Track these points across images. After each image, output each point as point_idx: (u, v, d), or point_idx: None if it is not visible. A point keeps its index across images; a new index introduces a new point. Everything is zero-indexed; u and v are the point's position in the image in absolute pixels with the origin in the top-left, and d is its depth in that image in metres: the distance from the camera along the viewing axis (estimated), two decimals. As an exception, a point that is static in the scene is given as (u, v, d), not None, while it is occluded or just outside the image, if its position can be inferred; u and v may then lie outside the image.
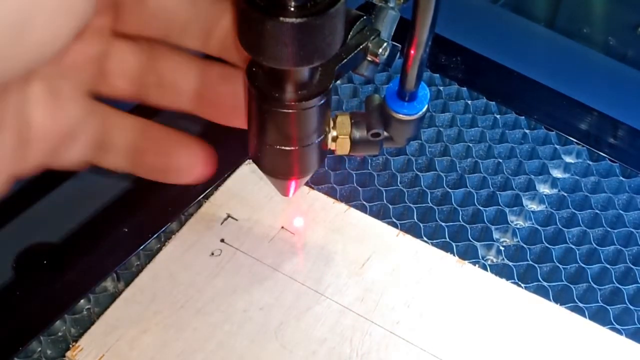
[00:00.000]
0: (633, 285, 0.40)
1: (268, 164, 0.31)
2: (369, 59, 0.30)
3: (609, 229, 0.43)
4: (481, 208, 0.43)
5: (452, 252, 0.41)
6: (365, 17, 0.29)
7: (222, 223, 0.41)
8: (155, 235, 0.41)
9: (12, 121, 0.26)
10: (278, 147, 0.30)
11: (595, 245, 0.42)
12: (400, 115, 0.30)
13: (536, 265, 0.41)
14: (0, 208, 0.40)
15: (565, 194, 0.45)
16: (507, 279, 0.39)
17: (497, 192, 0.44)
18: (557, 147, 0.47)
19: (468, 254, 0.42)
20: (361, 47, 0.29)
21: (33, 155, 0.27)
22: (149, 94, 0.31)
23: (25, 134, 0.27)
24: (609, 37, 0.59)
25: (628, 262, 0.41)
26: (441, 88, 0.51)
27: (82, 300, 0.38)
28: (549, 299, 0.39)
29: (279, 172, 0.32)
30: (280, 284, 0.38)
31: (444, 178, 0.45)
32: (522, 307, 0.38)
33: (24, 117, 0.26)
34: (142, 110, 0.31)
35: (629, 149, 0.47)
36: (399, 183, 0.45)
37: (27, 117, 0.27)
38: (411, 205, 0.44)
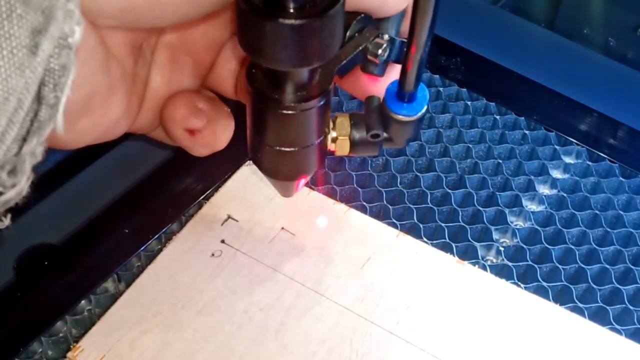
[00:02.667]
0: (633, 286, 0.40)
1: (268, 165, 0.31)
2: (369, 59, 0.30)
3: (609, 230, 0.43)
4: (481, 209, 0.44)
5: (452, 253, 0.41)
6: (363, 15, 0.29)
7: (222, 224, 0.41)
8: (155, 236, 0.41)
9: (141, 76, 0.29)
10: (278, 148, 0.30)
11: (594, 245, 0.42)
12: (400, 116, 0.30)
13: (536, 265, 0.41)
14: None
15: (565, 195, 0.45)
16: (507, 280, 0.39)
17: (497, 193, 0.45)
18: (557, 147, 0.47)
19: (468, 255, 0.42)
20: (360, 48, 0.29)
21: (143, 114, 0.30)
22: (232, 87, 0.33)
23: (143, 91, 0.30)
24: (609, 38, 0.59)
25: (628, 262, 0.41)
26: (441, 89, 0.51)
27: (83, 301, 0.39)
28: (549, 299, 0.39)
29: (279, 173, 0.32)
30: (280, 284, 0.38)
31: (444, 179, 0.45)
32: (521, 307, 0.38)
33: (147, 75, 0.30)
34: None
35: (629, 150, 0.47)
36: (399, 184, 0.45)
37: (149, 76, 0.30)
38: (411, 206, 0.44)
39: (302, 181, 0.33)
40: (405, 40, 0.31)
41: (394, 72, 0.31)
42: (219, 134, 0.32)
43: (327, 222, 0.41)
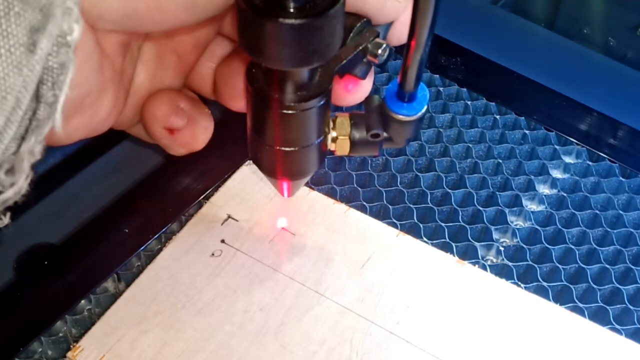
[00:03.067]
0: (633, 286, 0.40)
1: (268, 165, 0.31)
2: (368, 60, 0.30)
3: (609, 229, 0.43)
4: (481, 208, 0.44)
5: (452, 253, 0.41)
6: (365, 19, 0.29)
7: (222, 224, 0.41)
8: (155, 236, 0.41)
9: (128, 72, 0.29)
10: (277, 148, 0.30)
11: (594, 245, 0.42)
12: (400, 116, 0.30)
13: (536, 265, 0.41)
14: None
15: (565, 194, 0.45)
16: (507, 279, 0.39)
17: (497, 193, 0.45)
18: (557, 147, 0.47)
19: (468, 255, 0.42)
20: (360, 48, 0.29)
21: (126, 109, 0.30)
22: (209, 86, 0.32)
23: (129, 87, 0.30)
24: (609, 38, 0.59)
25: (628, 262, 0.41)
26: (441, 89, 0.51)
27: (82, 301, 0.39)
28: (549, 299, 0.39)
29: (279, 173, 0.32)
30: (280, 284, 0.38)
31: (444, 178, 0.45)
32: (521, 307, 0.38)
33: (133, 71, 0.30)
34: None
35: (629, 150, 0.47)
36: (399, 184, 0.45)
37: (134, 71, 0.30)
38: (411, 205, 0.44)
39: (293, 184, 0.33)
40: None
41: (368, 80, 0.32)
42: (198, 134, 0.32)
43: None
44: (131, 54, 0.29)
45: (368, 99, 0.32)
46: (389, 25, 0.30)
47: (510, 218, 0.44)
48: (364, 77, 0.31)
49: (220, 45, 0.32)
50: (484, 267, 0.40)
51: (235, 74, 0.30)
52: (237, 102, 0.31)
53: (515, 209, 0.44)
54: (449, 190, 0.45)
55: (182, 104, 0.31)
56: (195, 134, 0.32)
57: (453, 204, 0.44)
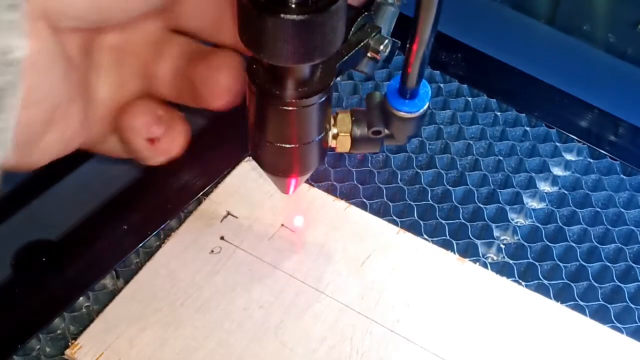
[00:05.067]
0: (634, 284, 0.40)
1: (268, 162, 0.31)
2: (370, 55, 0.30)
3: (610, 227, 0.43)
4: (481, 206, 0.43)
5: (452, 250, 0.40)
6: (366, 14, 0.29)
7: (221, 220, 0.40)
8: (154, 233, 0.41)
9: (92, 82, 0.28)
10: (278, 144, 0.29)
11: (596, 243, 0.42)
12: (401, 113, 0.30)
13: (537, 263, 0.41)
14: (-1, 205, 0.40)
15: (566, 192, 0.45)
16: (508, 277, 0.39)
17: (498, 190, 0.44)
18: (558, 144, 0.47)
19: (468, 252, 0.41)
20: (362, 44, 0.29)
21: (96, 123, 0.29)
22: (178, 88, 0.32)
23: (93, 97, 0.29)
24: (609, 34, 0.59)
25: (629, 260, 0.41)
26: (441, 85, 0.51)
27: (81, 298, 0.38)
28: (550, 297, 0.39)
29: (279, 169, 0.32)
30: (280, 282, 0.38)
31: (445, 176, 0.45)
32: (522, 305, 0.38)
33: (95, 80, 0.29)
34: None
35: (630, 147, 0.47)
36: (399, 180, 0.45)
37: (97, 81, 0.29)
38: (411, 202, 0.43)
39: (293, 181, 0.33)
40: (396, 40, 0.31)
41: None
42: (176, 139, 0.31)
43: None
44: (91, 61, 0.28)
45: (369, 96, 0.31)
46: (391, 20, 0.30)
47: (511, 215, 0.43)
48: (370, 72, 0.30)
49: (177, 44, 0.31)
50: (484, 265, 0.40)
51: (214, 72, 0.30)
52: (218, 100, 0.30)
53: (516, 206, 0.44)
54: (450, 188, 0.44)
55: (159, 111, 0.30)
56: (173, 139, 0.31)
57: (453, 201, 0.44)
